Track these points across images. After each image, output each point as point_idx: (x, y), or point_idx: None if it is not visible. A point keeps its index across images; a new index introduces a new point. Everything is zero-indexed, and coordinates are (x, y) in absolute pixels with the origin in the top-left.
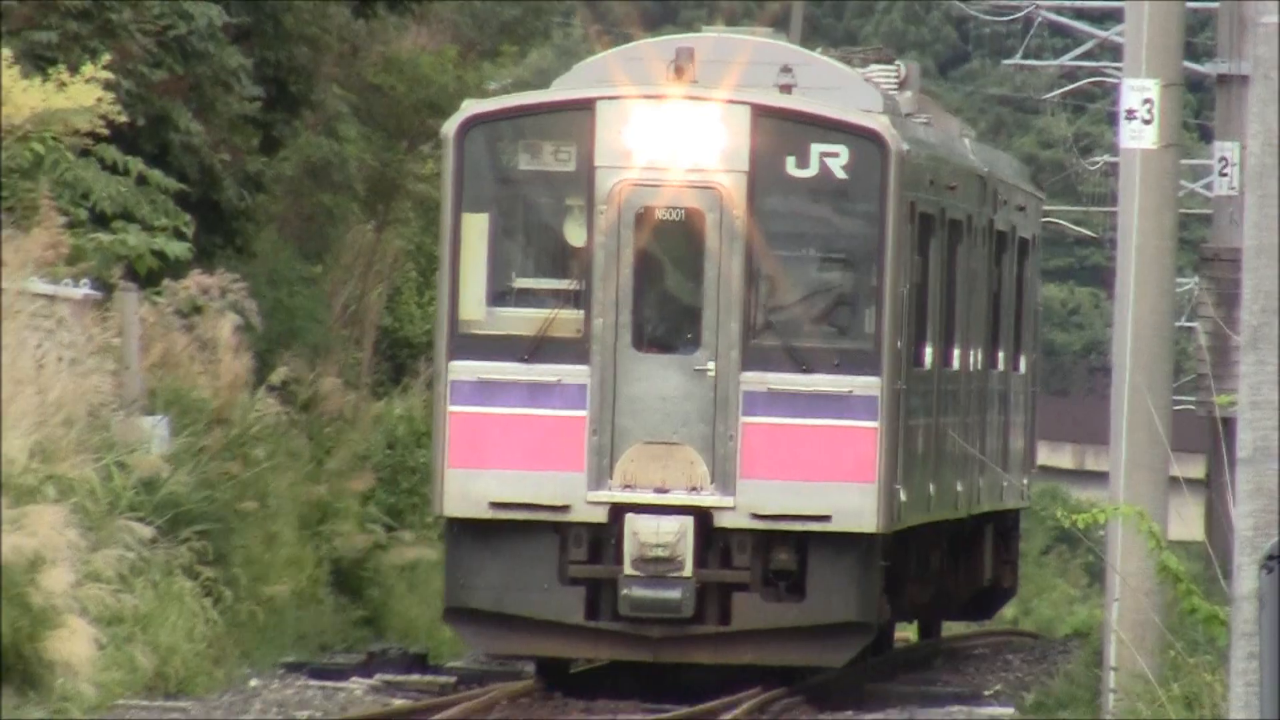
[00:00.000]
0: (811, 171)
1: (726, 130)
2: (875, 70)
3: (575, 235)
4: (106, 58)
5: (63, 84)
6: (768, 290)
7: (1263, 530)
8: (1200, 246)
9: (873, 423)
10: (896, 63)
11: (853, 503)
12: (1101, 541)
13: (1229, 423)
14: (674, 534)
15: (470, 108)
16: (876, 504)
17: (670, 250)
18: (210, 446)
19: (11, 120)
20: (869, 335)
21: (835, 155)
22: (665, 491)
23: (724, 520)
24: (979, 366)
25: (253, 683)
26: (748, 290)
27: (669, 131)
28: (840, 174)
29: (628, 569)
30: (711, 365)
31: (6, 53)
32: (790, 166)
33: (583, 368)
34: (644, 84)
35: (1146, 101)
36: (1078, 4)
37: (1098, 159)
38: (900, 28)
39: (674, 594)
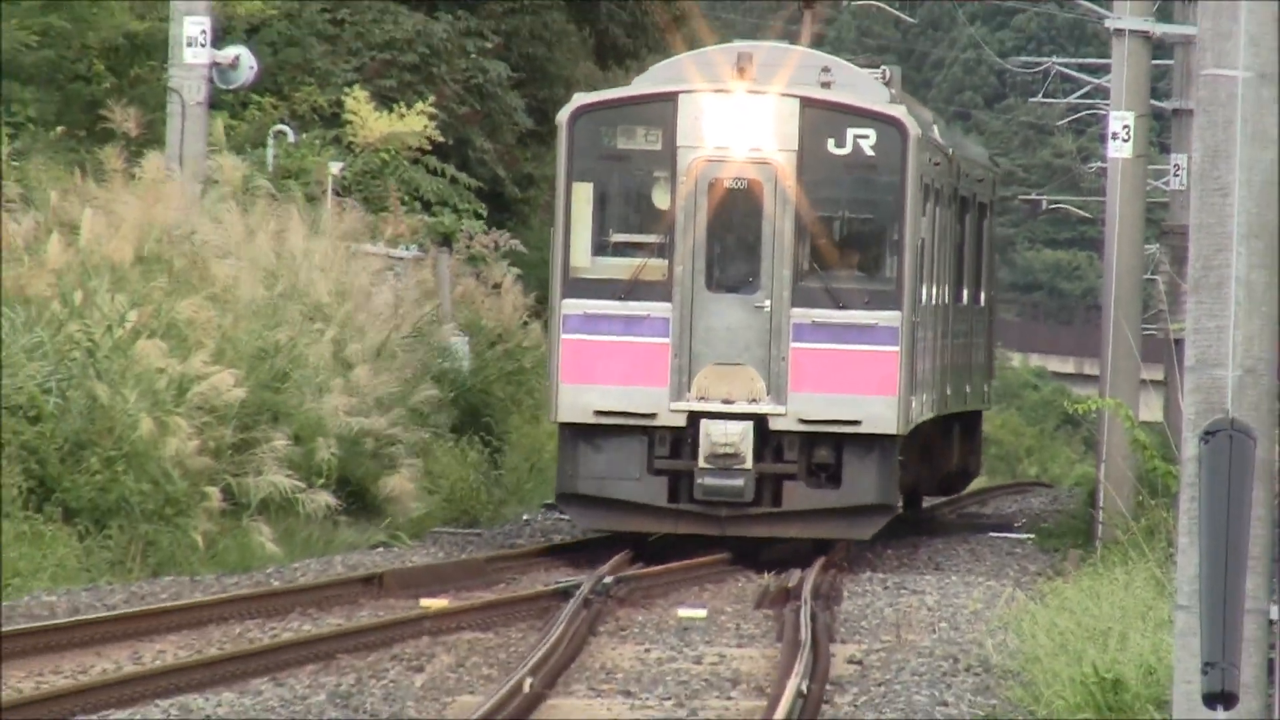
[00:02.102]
0: (847, 150)
1: (780, 118)
2: (866, 74)
3: (661, 200)
4: (430, 98)
5: (401, 115)
6: (812, 244)
7: (1202, 414)
8: (1161, 224)
9: (894, 348)
10: (882, 68)
11: (878, 411)
12: (1094, 422)
13: (1179, 343)
14: (738, 435)
15: (579, 99)
16: (897, 412)
17: (735, 212)
18: (494, 356)
19: (366, 139)
20: (891, 279)
21: (866, 137)
22: (731, 402)
23: (777, 424)
24: (954, 301)
25: (525, 517)
26: (796, 244)
27: (734, 118)
28: (869, 152)
29: (701, 463)
30: (768, 303)
31: (364, 94)
32: (830, 146)
33: (666, 305)
34: (714, 81)
35: (1125, 126)
36: (1079, 60)
37: (1093, 165)
38: (960, 75)
39: (738, 482)
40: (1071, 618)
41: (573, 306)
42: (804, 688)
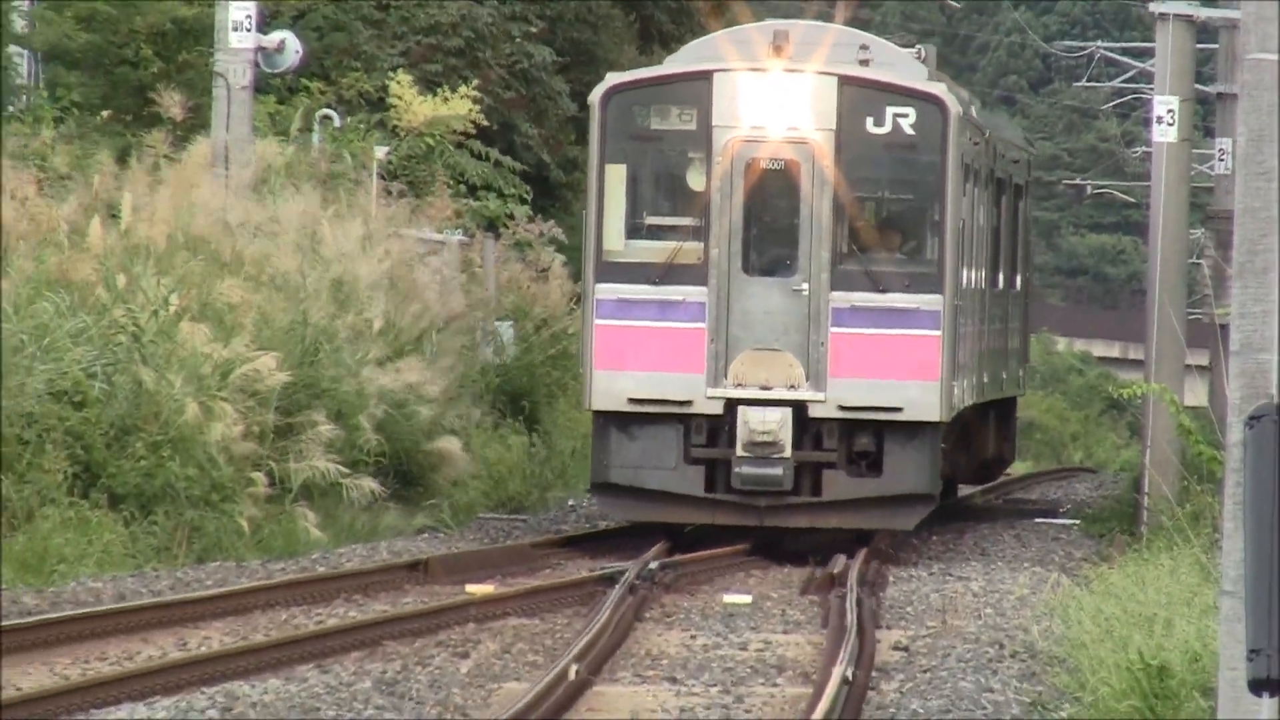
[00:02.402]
0: (886, 129)
1: (818, 96)
2: (904, 52)
3: (696, 181)
4: (475, 82)
5: (445, 99)
6: (850, 225)
7: (1247, 399)
8: (1206, 208)
9: (936, 332)
10: (918, 47)
11: (920, 397)
12: (1139, 408)
13: (1224, 327)
14: (777, 422)
15: (611, 79)
16: (939, 398)
17: (772, 194)
18: (539, 342)
19: (411, 123)
20: (932, 261)
21: (905, 115)
22: (769, 389)
23: (816, 411)
24: (991, 285)
25: (570, 503)
26: (835, 226)
27: (771, 97)
28: (909, 131)
29: (739, 451)
30: (806, 286)
31: (408, 78)
32: (869, 125)
33: (702, 289)
34: (750, 60)
35: (1170, 111)
36: (1124, 45)
37: (1137, 149)
38: (1004, 59)
39: (776, 471)
40: (1117, 604)
41: (606, 291)
42: (849, 674)
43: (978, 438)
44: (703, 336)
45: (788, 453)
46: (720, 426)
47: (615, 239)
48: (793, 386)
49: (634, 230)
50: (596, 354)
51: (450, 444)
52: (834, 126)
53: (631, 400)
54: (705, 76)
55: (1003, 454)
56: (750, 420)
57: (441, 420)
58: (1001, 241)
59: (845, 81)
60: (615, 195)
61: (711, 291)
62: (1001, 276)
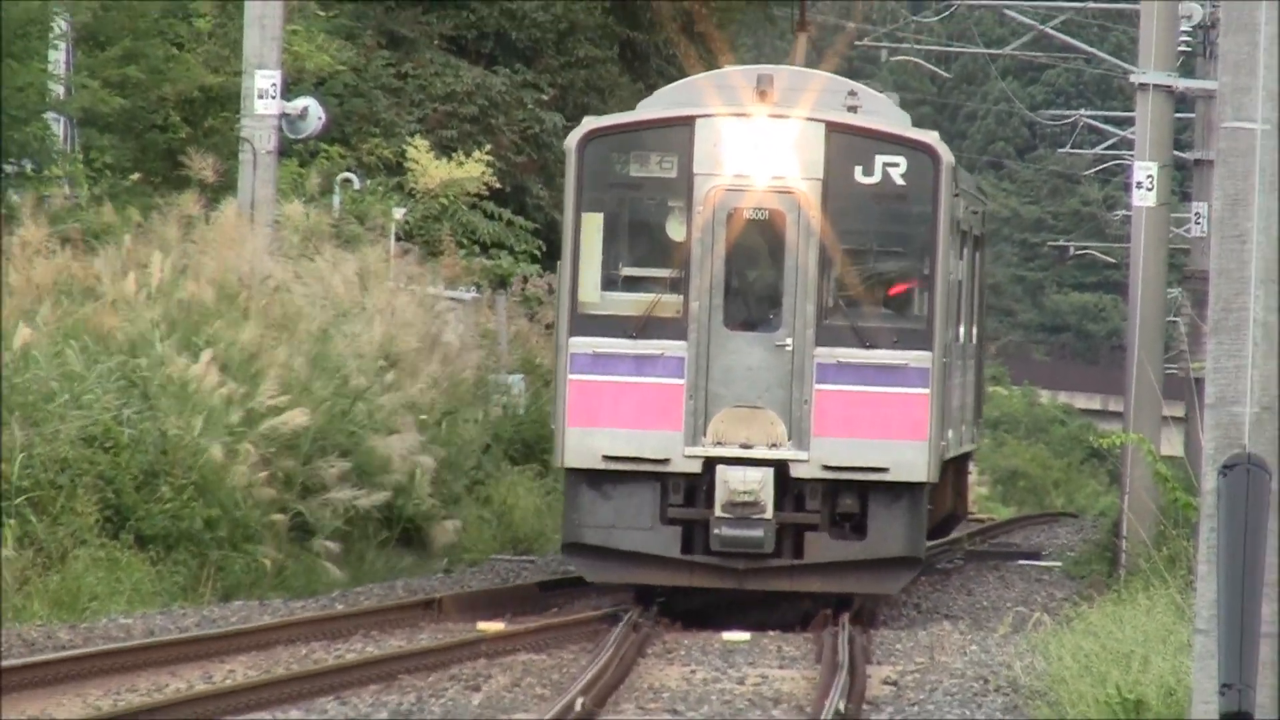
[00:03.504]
0: (875, 179)
1: (804, 144)
2: (885, 98)
3: (676, 232)
4: (488, 147)
5: (460, 163)
6: (837, 279)
7: (1221, 449)
8: (1183, 269)
9: (925, 390)
10: (885, 93)
11: (907, 457)
12: (1119, 456)
13: (1200, 381)
14: (758, 483)
15: (588, 124)
16: (927, 458)
17: (755, 245)
18: (548, 395)
19: (427, 186)
20: (922, 317)
21: (896, 165)
22: (750, 447)
23: (799, 471)
24: (959, 339)
25: None
26: (821, 279)
27: (755, 144)
28: (900, 181)
29: (718, 511)
30: (790, 341)
31: (425, 143)
32: (858, 174)
33: (681, 343)
34: (733, 104)
35: (1149, 176)
36: (1106, 113)
37: (1118, 212)
38: (993, 126)
39: (757, 533)
40: (1096, 641)
41: (581, 345)
42: (842, 707)
43: (939, 493)
44: (681, 393)
45: (769, 514)
46: (698, 486)
47: (591, 291)
48: (774, 445)
49: (610, 282)
50: (570, 410)
51: (461, 503)
52: (821, 175)
53: (606, 458)
54: (687, 122)
55: (957, 510)
56: (730, 480)
57: (453, 482)
58: (962, 294)
59: (833, 128)
60: (591, 245)
61: (691, 346)
62: (962, 330)
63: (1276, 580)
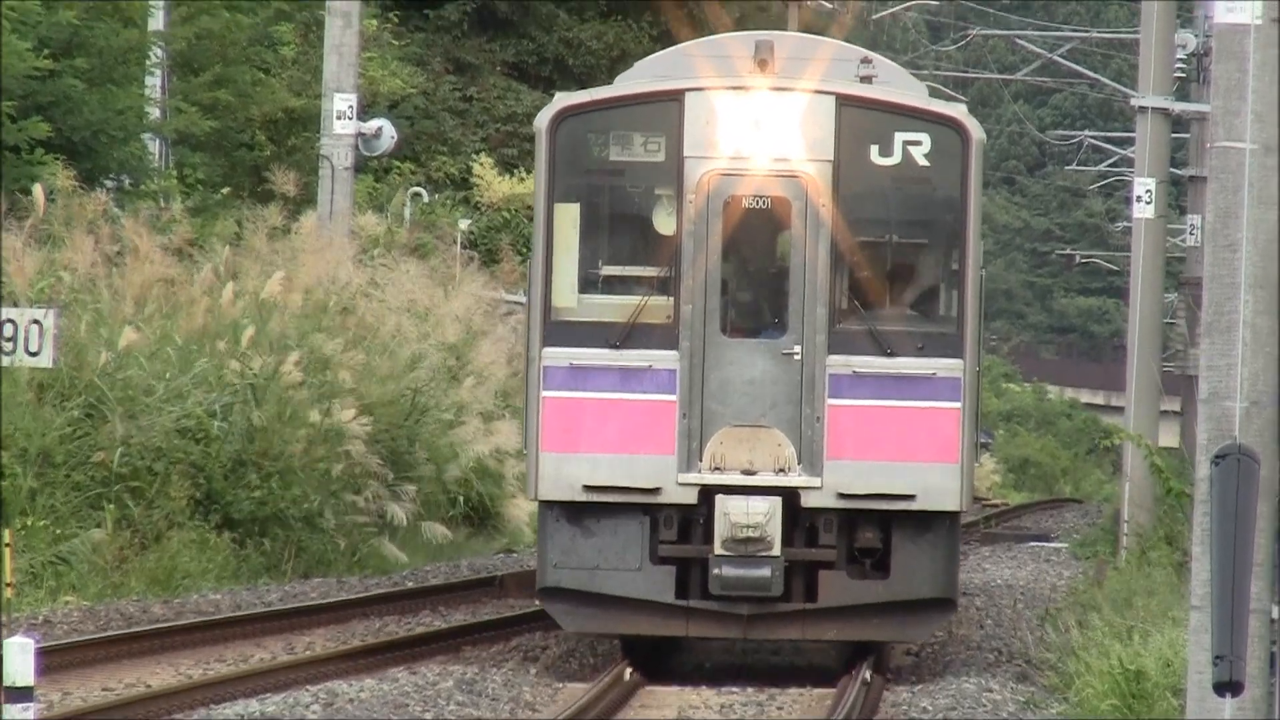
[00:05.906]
0: (895, 159)
1: (811, 120)
2: (901, 70)
3: (664, 224)
4: None
5: (521, 179)
6: (852, 276)
7: (1214, 440)
8: (1179, 276)
9: (956, 404)
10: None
11: (936, 482)
12: (1120, 448)
13: (1194, 378)
14: (763, 514)
15: (561, 100)
16: (959, 483)
17: (756, 238)
18: None
19: (491, 200)
20: (952, 319)
21: (918, 143)
22: (753, 473)
23: (811, 500)
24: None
25: None
26: (833, 276)
27: (755, 122)
28: (923, 161)
29: (718, 549)
30: (798, 349)
31: (489, 160)
32: (874, 155)
33: (672, 353)
34: (729, 76)
35: (1148, 191)
36: (1108, 134)
37: (1119, 224)
38: (1005, 146)
39: (763, 572)
40: (1100, 616)
41: (555, 356)
42: (868, 676)
43: None
44: (673, 411)
45: (776, 550)
46: (694, 519)
47: (566, 294)
48: (782, 470)
49: (589, 283)
50: (544, 432)
51: (520, 498)
52: (831, 157)
53: (588, 488)
54: (675, 97)
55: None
56: (731, 512)
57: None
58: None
59: (845, 102)
60: (566, 241)
61: (683, 356)
62: None
63: (1265, 560)
